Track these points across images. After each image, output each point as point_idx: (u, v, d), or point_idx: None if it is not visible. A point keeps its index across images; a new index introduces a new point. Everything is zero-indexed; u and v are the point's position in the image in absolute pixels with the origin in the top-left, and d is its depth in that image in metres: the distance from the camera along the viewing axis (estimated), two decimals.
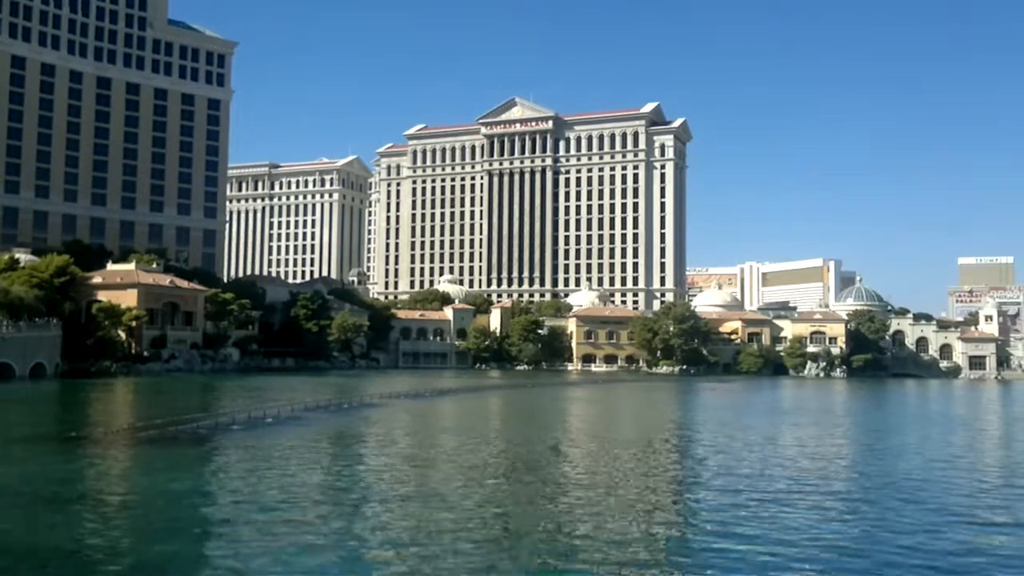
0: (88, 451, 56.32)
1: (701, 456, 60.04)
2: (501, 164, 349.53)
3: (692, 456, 60.88)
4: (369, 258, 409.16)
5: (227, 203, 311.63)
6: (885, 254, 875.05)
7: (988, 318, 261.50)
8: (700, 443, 68.42)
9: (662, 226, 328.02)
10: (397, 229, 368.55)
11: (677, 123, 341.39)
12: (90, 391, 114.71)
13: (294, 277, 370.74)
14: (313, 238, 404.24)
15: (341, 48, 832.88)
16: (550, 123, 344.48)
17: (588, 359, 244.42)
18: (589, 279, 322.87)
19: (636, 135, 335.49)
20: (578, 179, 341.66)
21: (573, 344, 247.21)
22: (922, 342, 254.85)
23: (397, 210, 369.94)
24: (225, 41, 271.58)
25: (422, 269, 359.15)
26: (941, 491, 45.16)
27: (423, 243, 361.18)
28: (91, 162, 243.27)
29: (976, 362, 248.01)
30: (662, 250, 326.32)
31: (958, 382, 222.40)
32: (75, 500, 39.63)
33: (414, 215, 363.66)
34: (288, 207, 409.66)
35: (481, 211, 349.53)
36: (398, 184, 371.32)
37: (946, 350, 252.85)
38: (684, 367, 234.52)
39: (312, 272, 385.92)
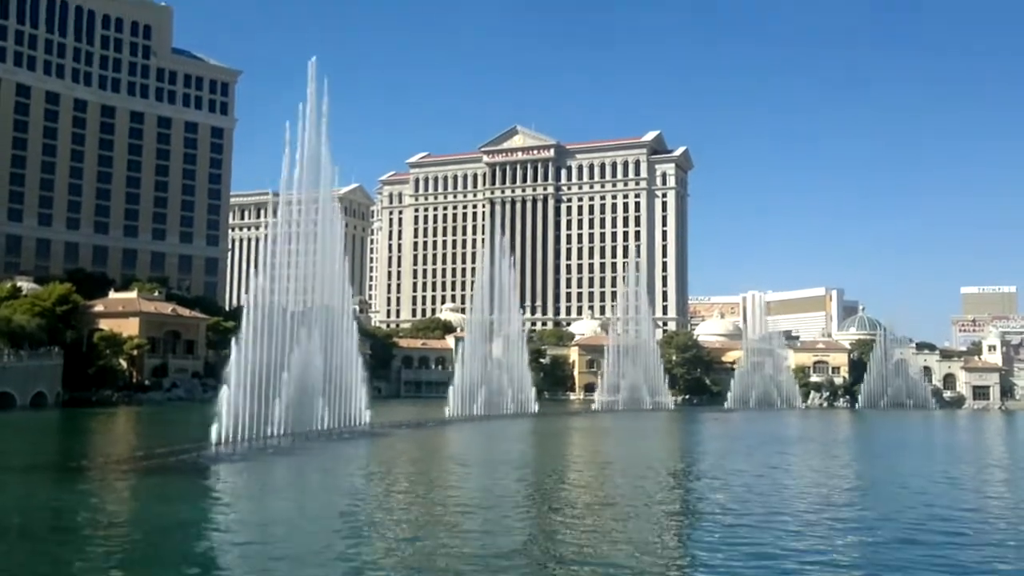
0: (88, 481, 55.77)
1: (718, 489, 59.35)
2: (503, 192, 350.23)
3: (711, 489, 60.17)
4: (371, 286, 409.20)
5: (229, 231, 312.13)
6: (887, 283, 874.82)
7: (991, 348, 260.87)
8: (714, 477, 67.74)
9: (664, 255, 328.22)
10: (399, 257, 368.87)
11: (678, 152, 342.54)
12: (91, 420, 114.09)
13: (296, 305, 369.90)
14: (313, 266, 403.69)
15: (343, 77, 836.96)
16: (552, 151, 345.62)
17: (591, 388, 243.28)
18: (591, 307, 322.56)
19: (638, 163, 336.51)
20: (580, 207, 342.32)
21: (576, 373, 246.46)
22: (926, 372, 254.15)
23: (399, 238, 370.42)
24: (229, 70, 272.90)
25: (424, 297, 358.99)
26: (950, 525, 44.49)
27: (425, 271, 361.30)
28: (94, 190, 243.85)
29: (980, 392, 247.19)
30: (664, 279, 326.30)
31: (962, 412, 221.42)
32: (75, 530, 39.11)
33: (416, 243, 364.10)
34: (288, 235, 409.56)
35: (483, 239, 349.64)
36: (400, 212, 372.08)
37: (950, 380, 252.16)
38: (687, 397, 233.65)
39: (313, 300, 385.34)
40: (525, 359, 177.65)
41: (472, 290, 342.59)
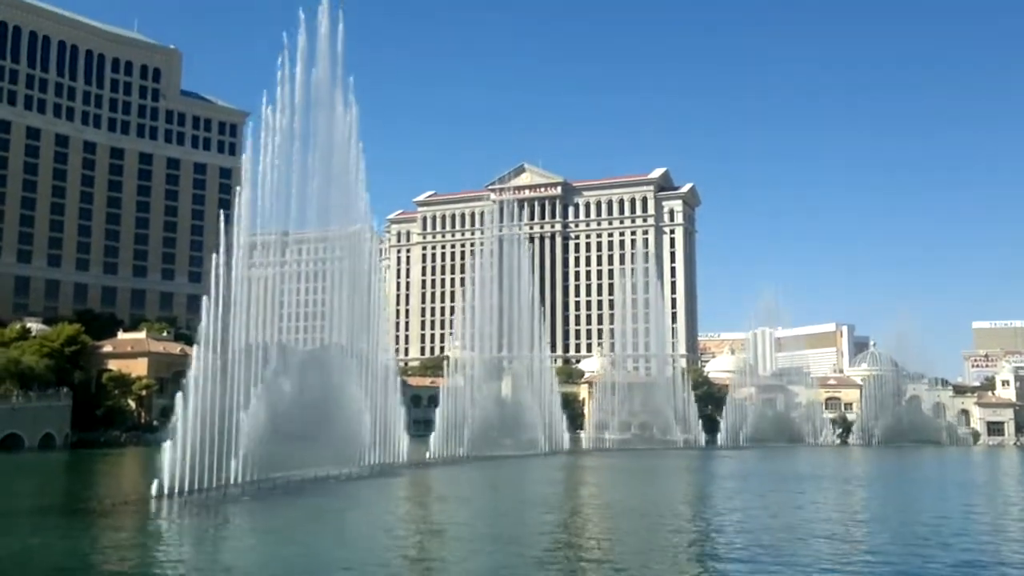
0: (96, 523, 55.00)
1: (746, 540, 58.30)
2: (511, 230, 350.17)
3: (736, 536, 59.13)
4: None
5: None
6: (898, 318, 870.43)
7: (1005, 383, 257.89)
8: (740, 527, 66.63)
9: (673, 291, 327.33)
10: (407, 295, 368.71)
11: (686, 188, 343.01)
12: (99, 462, 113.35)
13: (305, 344, 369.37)
14: (323, 304, 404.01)
15: None
16: (559, 189, 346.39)
17: (601, 426, 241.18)
18: (600, 344, 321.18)
19: (645, 200, 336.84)
20: (588, 244, 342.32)
21: (585, 411, 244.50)
22: (939, 408, 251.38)
23: (407, 276, 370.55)
24: (237, 111, 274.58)
25: (432, 336, 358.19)
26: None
27: (433, 309, 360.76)
28: (103, 231, 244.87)
29: (994, 428, 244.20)
30: (673, 315, 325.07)
31: (977, 448, 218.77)
32: (81, 574, 38.39)
33: (424, 281, 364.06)
34: (299, 274, 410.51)
35: (491, 277, 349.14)
36: (408, 250, 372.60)
37: (963, 416, 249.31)
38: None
39: (322, 339, 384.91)
40: (557, 397, 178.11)
41: (491, 327, 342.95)
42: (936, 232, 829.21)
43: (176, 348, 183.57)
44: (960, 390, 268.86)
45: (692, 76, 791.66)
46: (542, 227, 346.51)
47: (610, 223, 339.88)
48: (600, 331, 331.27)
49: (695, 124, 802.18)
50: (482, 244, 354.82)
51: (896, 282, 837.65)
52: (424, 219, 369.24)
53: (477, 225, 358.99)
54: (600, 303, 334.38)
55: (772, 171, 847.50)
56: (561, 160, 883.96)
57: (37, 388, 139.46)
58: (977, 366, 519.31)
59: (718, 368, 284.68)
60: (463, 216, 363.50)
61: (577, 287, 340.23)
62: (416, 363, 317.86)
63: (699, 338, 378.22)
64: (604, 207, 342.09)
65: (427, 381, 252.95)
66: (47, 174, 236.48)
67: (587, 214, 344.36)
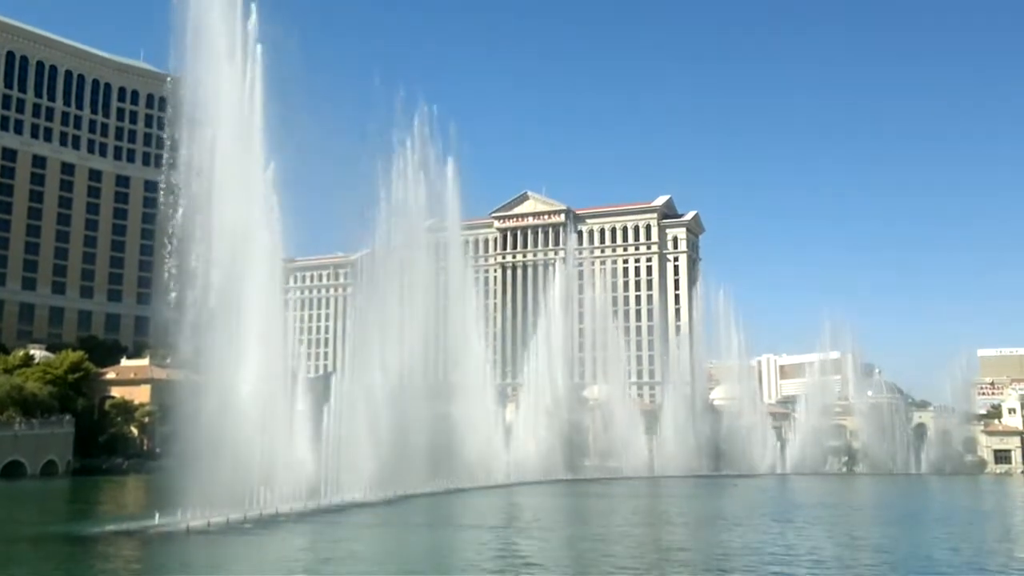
0: (99, 551, 54.52)
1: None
2: (514, 257, 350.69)
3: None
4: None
5: None
6: (904, 345, 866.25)
7: (1011, 411, 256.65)
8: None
9: (677, 318, 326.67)
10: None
11: (689, 216, 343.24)
12: (100, 489, 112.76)
13: (308, 371, 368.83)
14: (327, 332, 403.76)
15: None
16: (562, 216, 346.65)
17: (605, 455, 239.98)
18: (605, 371, 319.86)
19: (648, 228, 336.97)
20: (591, 272, 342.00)
21: (590, 439, 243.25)
22: (945, 436, 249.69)
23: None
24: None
25: (437, 361, 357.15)
26: None
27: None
28: (108, 258, 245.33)
29: (1001, 456, 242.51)
30: (678, 343, 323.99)
31: (984, 477, 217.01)
32: None
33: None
34: (302, 301, 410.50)
35: (495, 304, 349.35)
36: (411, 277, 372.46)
37: (970, 444, 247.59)
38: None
39: (326, 366, 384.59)
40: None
41: (496, 354, 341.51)
42: (943, 260, 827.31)
43: (179, 375, 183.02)
44: (966, 418, 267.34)
45: (695, 103, 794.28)
46: (546, 254, 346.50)
47: (613, 250, 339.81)
48: (604, 358, 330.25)
49: (698, 152, 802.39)
50: (487, 272, 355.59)
51: (902, 309, 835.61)
52: (427, 246, 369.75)
53: (481, 252, 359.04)
54: (604, 330, 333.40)
55: (776, 198, 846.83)
56: (564, 187, 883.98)
57: (40, 415, 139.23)
58: (983, 394, 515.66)
59: (723, 395, 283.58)
60: (467, 243, 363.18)
61: (581, 314, 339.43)
62: None
63: (704, 365, 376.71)
64: (608, 234, 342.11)
65: None
66: (52, 202, 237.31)
67: (590, 241, 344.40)
